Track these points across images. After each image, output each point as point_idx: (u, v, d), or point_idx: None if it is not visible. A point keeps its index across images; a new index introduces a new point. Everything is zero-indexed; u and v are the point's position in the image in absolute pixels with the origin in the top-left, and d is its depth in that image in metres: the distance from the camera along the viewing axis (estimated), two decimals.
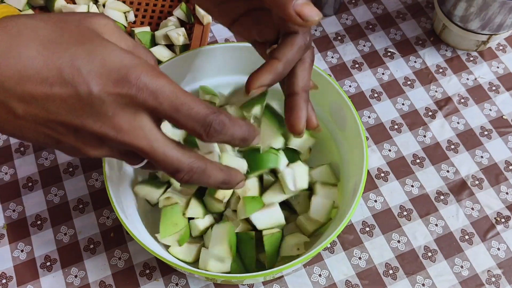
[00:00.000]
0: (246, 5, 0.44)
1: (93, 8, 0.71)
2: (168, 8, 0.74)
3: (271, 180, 0.55)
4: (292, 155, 0.57)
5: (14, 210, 0.61)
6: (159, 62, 0.67)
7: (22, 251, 0.58)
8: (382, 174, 0.63)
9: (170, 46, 0.70)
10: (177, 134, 0.55)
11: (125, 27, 0.71)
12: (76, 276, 0.57)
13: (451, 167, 0.64)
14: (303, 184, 0.53)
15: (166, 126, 0.53)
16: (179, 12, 0.71)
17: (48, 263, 0.58)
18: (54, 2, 0.71)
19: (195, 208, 0.54)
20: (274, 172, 0.55)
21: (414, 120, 0.67)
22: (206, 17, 0.69)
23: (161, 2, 0.75)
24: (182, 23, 0.72)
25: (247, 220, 0.53)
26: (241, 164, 0.51)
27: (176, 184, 0.55)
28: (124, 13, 0.72)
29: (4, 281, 0.57)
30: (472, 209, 0.61)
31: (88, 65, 0.32)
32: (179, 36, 0.68)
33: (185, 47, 0.69)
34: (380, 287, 0.57)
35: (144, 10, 0.74)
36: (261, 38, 0.46)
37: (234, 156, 0.53)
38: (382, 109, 0.68)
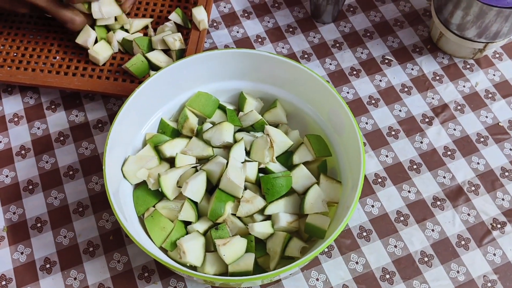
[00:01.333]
0: None
1: None
2: (166, 14, 0.75)
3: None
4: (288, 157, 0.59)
5: (14, 213, 0.61)
6: (157, 67, 0.68)
7: (22, 253, 0.59)
8: (379, 180, 0.64)
9: (167, 51, 0.71)
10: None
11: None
12: (75, 279, 0.57)
13: (447, 173, 0.64)
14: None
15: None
16: (174, 16, 0.72)
17: (48, 266, 0.58)
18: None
19: (188, 211, 0.54)
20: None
21: (411, 126, 0.68)
22: (203, 23, 0.70)
23: (159, 8, 0.76)
24: (179, 29, 0.73)
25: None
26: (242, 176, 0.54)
27: (168, 195, 0.56)
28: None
29: (4, 283, 0.57)
30: (468, 214, 0.62)
31: None
32: (175, 41, 0.68)
33: (181, 52, 0.70)
34: None
35: (143, 15, 0.75)
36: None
37: (239, 168, 0.54)
38: (380, 115, 0.69)
